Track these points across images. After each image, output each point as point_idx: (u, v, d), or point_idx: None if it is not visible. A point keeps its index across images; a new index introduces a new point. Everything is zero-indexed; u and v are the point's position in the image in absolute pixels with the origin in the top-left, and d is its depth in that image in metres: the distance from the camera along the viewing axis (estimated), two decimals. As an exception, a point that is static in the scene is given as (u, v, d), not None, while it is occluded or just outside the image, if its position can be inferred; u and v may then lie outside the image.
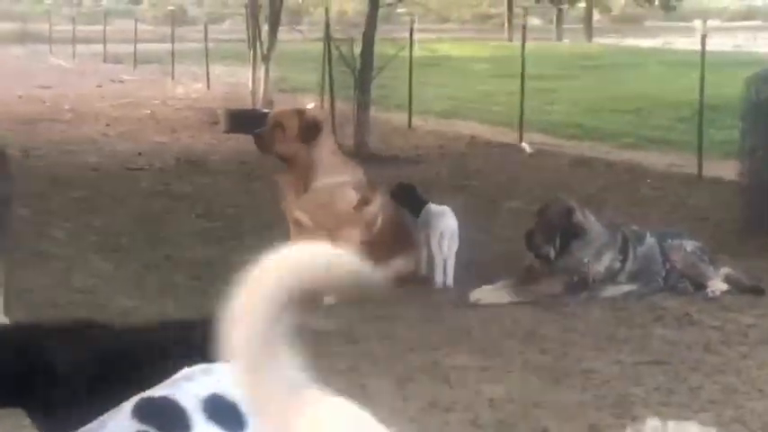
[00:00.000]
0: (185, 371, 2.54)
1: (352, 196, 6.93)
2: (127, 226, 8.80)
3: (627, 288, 6.88)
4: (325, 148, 6.99)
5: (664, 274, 6.96)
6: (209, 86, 21.99)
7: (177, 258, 7.71)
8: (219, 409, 2.37)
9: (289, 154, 6.94)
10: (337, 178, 6.91)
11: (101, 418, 2.34)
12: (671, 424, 2.18)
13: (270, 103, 17.35)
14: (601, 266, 6.84)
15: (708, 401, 5.06)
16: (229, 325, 1.87)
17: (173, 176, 11.46)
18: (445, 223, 7.05)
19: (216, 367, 2.52)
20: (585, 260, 6.82)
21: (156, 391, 2.42)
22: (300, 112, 7.09)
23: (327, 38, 14.93)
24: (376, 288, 2.04)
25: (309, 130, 6.94)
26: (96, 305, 6.48)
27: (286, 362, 1.85)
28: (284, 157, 7.01)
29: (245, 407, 2.41)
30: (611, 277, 6.86)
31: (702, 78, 11.67)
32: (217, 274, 7.29)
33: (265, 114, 15.95)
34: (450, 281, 6.98)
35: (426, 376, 5.31)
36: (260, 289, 1.88)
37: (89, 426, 2.31)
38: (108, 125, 15.96)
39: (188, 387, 2.40)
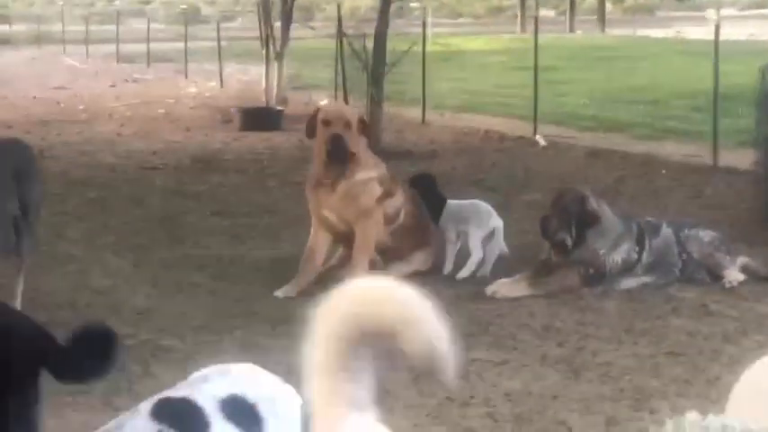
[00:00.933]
0: (201, 372, 2.55)
1: (377, 190, 6.97)
2: (143, 225, 8.83)
3: (643, 279, 6.87)
4: (362, 145, 7.03)
5: (680, 265, 6.95)
6: (222, 85, 22.03)
7: (194, 257, 7.74)
8: (238, 409, 2.38)
9: (353, 150, 6.89)
10: (370, 173, 6.96)
11: (117, 418, 2.34)
12: (710, 416, 2.17)
13: (283, 101, 17.38)
14: (617, 258, 6.83)
15: (726, 392, 5.03)
16: (309, 348, 1.97)
17: (188, 175, 11.50)
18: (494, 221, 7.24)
19: (232, 368, 2.53)
20: (602, 252, 6.81)
21: (175, 392, 2.43)
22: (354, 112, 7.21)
23: (340, 34, 14.93)
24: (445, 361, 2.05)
25: (365, 128, 7.09)
26: (114, 306, 6.52)
27: (357, 387, 1.92)
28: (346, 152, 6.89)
29: (262, 408, 2.42)
30: (627, 269, 6.85)
31: (716, 68, 11.63)
32: (236, 272, 7.33)
33: (279, 112, 16.04)
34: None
35: (444, 371, 5.32)
36: (335, 319, 1.96)
37: (105, 427, 2.32)
38: (122, 125, 16.01)
39: (206, 388, 2.41)
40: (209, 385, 2.43)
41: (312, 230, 7.04)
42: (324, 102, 18.25)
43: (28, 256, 6.22)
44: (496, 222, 7.25)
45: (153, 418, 2.31)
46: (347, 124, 6.85)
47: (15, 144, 6.49)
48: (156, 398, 2.39)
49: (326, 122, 6.88)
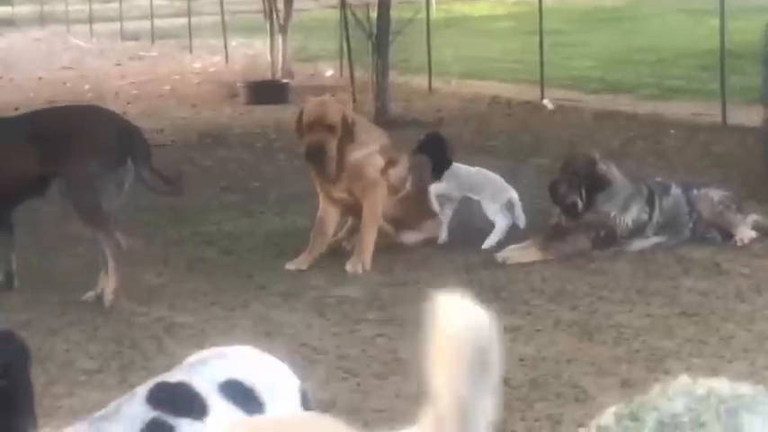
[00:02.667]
0: (198, 355, 2.53)
1: (379, 161, 6.94)
2: (152, 202, 8.83)
3: (654, 240, 6.86)
4: (358, 126, 6.94)
5: (691, 225, 6.93)
6: (227, 59, 21.96)
7: (205, 233, 7.75)
8: (237, 393, 2.37)
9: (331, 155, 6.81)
10: (369, 148, 6.91)
11: (113, 402, 2.33)
12: (701, 380, 2.16)
13: (289, 74, 17.33)
14: (628, 220, 6.81)
15: (740, 350, 5.05)
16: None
17: (195, 151, 11.49)
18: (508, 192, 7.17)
19: (229, 350, 2.52)
20: (612, 214, 6.79)
21: (172, 376, 2.41)
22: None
23: (343, 4, 14.85)
24: None
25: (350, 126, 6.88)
26: (125, 284, 6.52)
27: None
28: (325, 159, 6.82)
29: (260, 391, 2.41)
30: (638, 230, 6.83)
31: (722, 25, 11.55)
32: (246, 247, 7.34)
33: (285, 85, 16.00)
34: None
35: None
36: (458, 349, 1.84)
37: (102, 412, 2.31)
38: (129, 103, 15.99)
39: (204, 372, 2.40)
40: (207, 369, 2.41)
41: (321, 203, 7.02)
42: (329, 72, 18.20)
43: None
44: (512, 193, 7.19)
45: (149, 403, 2.29)
46: (330, 128, 6.74)
47: None
48: (152, 382, 2.37)
49: (309, 126, 6.79)
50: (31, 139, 6.11)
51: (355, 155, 6.82)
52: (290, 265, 6.71)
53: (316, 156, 6.76)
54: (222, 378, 2.38)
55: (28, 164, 6.10)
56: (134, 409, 2.26)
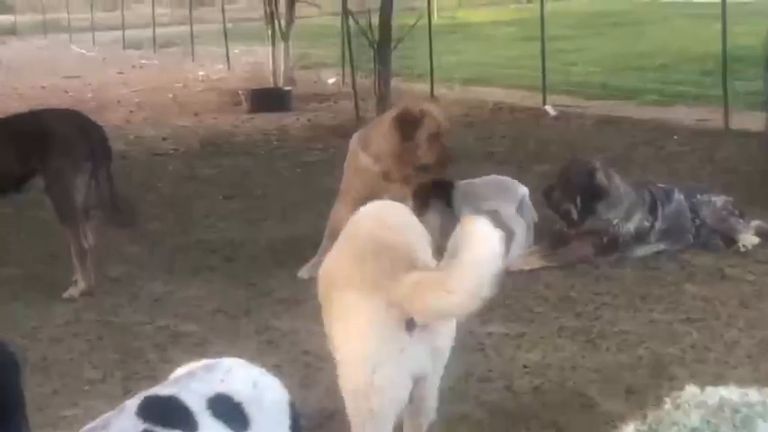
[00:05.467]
0: (187, 368, 2.53)
1: None
2: (156, 211, 8.85)
3: (657, 246, 6.85)
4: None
5: (694, 231, 6.92)
6: (229, 67, 21.99)
7: (208, 241, 7.75)
8: (225, 409, 2.36)
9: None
10: None
11: (103, 416, 2.32)
12: (709, 389, 2.18)
13: (291, 81, 17.34)
14: (630, 226, 6.81)
15: (745, 357, 5.04)
16: None
17: (198, 159, 11.50)
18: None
19: (219, 364, 2.51)
20: (615, 221, 6.79)
21: (161, 390, 2.40)
22: None
23: (345, 12, 14.87)
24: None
25: None
26: (130, 293, 6.54)
27: None
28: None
29: (248, 406, 2.41)
30: (641, 237, 6.83)
31: (724, 29, 11.55)
32: (249, 254, 7.34)
33: (287, 93, 16.01)
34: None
35: (460, 345, 5.31)
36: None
37: (91, 425, 2.30)
38: (131, 111, 16.02)
39: (193, 386, 2.39)
40: (196, 383, 2.40)
41: (338, 207, 6.57)
42: (331, 80, 18.20)
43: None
44: (523, 189, 7.08)
45: (139, 417, 2.28)
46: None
47: None
48: (142, 395, 2.36)
49: (430, 139, 6.38)
50: (11, 139, 6.40)
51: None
52: (302, 273, 6.64)
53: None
54: (211, 392, 2.37)
55: (9, 162, 6.38)
56: (123, 422, 2.25)
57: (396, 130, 6.35)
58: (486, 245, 3.17)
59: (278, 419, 2.48)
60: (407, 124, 6.35)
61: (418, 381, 3.46)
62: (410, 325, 3.32)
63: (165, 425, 2.25)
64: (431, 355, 3.46)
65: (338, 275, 3.53)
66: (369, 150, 6.46)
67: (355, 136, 6.76)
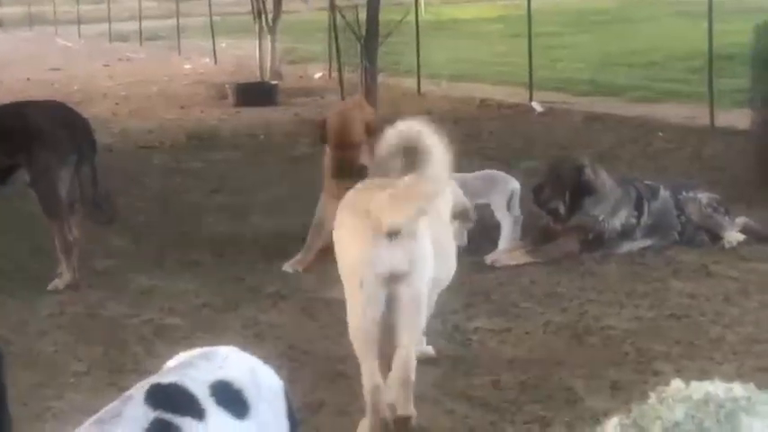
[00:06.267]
0: (183, 356, 2.53)
1: None
2: (142, 205, 8.83)
3: (643, 243, 6.88)
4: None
5: (679, 228, 6.95)
6: (216, 61, 21.95)
7: (195, 235, 7.74)
8: (226, 395, 2.38)
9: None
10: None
11: (110, 406, 2.32)
12: (694, 384, 2.19)
13: (278, 75, 17.33)
14: (616, 223, 6.83)
15: (730, 353, 5.06)
16: None
17: (184, 153, 11.48)
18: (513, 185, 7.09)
19: (216, 352, 2.52)
20: (600, 217, 6.81)
21: (163, 378, 2.41)
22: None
23: (332, 7, 14.86)
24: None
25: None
26: (116, 286, 6.53)
27: None
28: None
29: (247, 391, 2.42)
30: (626, 233, 6.85)
31: (710, 28, 11.58)
32: (236, 249, 7.33)
33: (274, 87, 16.00)
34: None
35: (446, 340, 5.33)
36: None
37: (100, 414, 2.29)
38: (117, 104, 15.98)
39: (194, 374, 2.40)
40: (196, 371, 2.41)
41: (322, 203, 6.84)
42: (318, 74, 18.19)
43: None
44: (514, 183, 7.09)
45: (149, 405, 2.28)
46: (357, 144, 6.60)
47: None
48: (146, 384, 2.37)
49: (336, 143, 6.65)
50: None
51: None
52: (287, 267, 6.68)
53: (346, 172, 6.52)
54: (212, 378, 2.39)
55: None
56: (135, 410, 2.26)
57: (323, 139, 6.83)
58: (438, 161, 4.16)
59: (275, 405, 2.51)
60: (320, 128, 6.82)
61: (396, 280, 4.12)
62: (391, 233, 4.07)
63: (174, 412, 2.26)
64: (408, 259, 4.12)
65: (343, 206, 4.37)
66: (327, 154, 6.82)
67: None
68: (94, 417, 2.28)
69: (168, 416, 2.26)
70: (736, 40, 12.07)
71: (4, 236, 7.84)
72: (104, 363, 5.24)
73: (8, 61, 24.52)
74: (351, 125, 6.65)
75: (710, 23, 11.57)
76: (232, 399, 2.37)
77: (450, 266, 4.63)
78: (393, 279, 4.11)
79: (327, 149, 6.86)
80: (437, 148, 4.16)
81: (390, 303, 4.13)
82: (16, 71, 21.68)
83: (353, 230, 4.19)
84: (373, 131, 6.58)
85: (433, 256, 4.23)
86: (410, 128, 4.21)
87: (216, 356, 2.50)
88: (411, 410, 4.17)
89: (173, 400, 2.30)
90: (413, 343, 4.23)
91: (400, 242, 4.08)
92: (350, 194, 4.40)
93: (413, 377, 4.17)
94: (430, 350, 5.02)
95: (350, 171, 6.50)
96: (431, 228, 4.25)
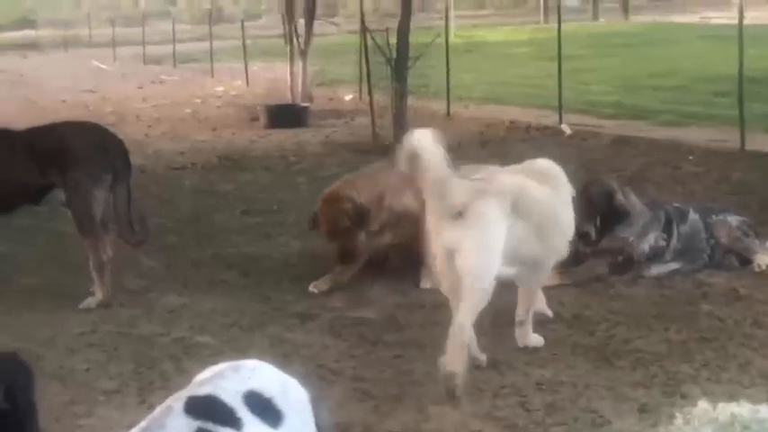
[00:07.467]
0: (213, 369, 2.56)
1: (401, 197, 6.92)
2: (173, 226, 8.90)
3: (672, 266, 6.86)
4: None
5: (709, 251, 6.93)
6: (248, 83, 22.11)
7: (224, 256, 7.80)
8: (258, 404, 2.40)
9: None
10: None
11: (150, 417, 2.35)
12: (720, 405, 2.20)
13: (309, 97, 17.42)
14: (645, 245, 6.82)
15: (758, 376, 5.04)
16: None
17: (216, 174, 11.57)
18: None
19: (243, 364, 2.55)
20: (630, 240, 6.80)
21: (197, 391, 2.43)
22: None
23: (363, 29, 14.95)
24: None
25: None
26: (146, 305, 6.59)
27: None
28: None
29: (278, 401, 2.45)
30: (656, 256, 6.83)
31: (741, 51, 11.56)
32: (265, 269, 7.38)
33: (305, 109, 16.09)
34: None
35: (473, 361, 5.33)
36: None
37: (143, 425, 2.32)
38: (150, 126, 16.12)
39: (225, 385, 2.43)
40: (227, 382, 2.45)
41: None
42: (348, 97, 18.28)
43: None
44: None
45: (189, 415, 2.31)
46: (348, 230, 6.76)
47: None
48: (183, 396, 2.40)
49: (328, 232, 6.86)
50: (30, 151, 6.47)
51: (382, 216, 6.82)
52: (312, 288, 6.73)
53: (347, 258, 6.80)
54: (243, 389, 2.42)
55: (28, 174, 6.45)
56: (177, 422, 2.28)
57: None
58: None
59: (304, 415, 2.54)
60: (312, 220, 6.98)
61: (454, 253, 5.00)
62: (458, 215, 4.98)
63: (215, 421, 2.29)
64: (462, 235, 4.98)
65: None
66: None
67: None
68: (138, 427, 2.31)
69: (210, 426, 2.28)
70: (764, 64, 12.04)
71: (37, 254, 7.94)
72: (135, 380, 5.29)
73: (43, 82, 24.80)
74: (337, 215, 6.77)
75: (741, 45, 11.55)
76: (265, 408, 2.41)
77: (557, 245, 5.45)
78: (450, 252, 5.00)
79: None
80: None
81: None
82: (52, 93, 21.93)
83: (429, 209, 5.11)
84: (365, 216, 6.73)
85: (543, 236, 5.24)
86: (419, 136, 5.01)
87: (244, 368, 2.53)
88: (457, 367, 4.81)
89: (211, 410, 2.33)
90: (467, 309, 4.97)
91: (460, 223, 4.96)
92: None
93: (463, 339, 4.90)
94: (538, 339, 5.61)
95: (351, 257, 6.73)
96: (551, 207, 5.29)
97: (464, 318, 4.95)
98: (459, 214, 4.97)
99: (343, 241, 6.78)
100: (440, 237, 5.04)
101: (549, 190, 5.48)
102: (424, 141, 4.93)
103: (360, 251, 6.79)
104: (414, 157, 4.90)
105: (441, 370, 4.85)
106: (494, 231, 5.05)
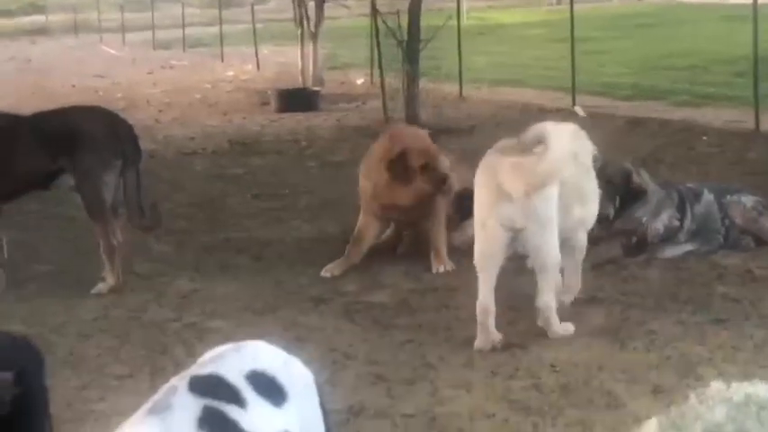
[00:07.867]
0: (214, 351, 2.55)
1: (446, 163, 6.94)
2: (184, 210, 8.89)
3: (687, 247, 6.80)
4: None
5: (723, 231, 6.86)
6: (258, 67, 22.07)
7: (236, 240, 7.78)
8: (262, 383, 2.40)
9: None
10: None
11: (155, 397, 2.33)
12: (734, 385, 2.16)
13: (320, 81, 17.38)
14: (659, 226, 6.76)
15: (774, 357, 4.99)
16: None
17: (227, 159, 11.55)
18: None
19: (245, 344, 2.54)
20: (644, 220, 6.74)
21: (199, 371, 2.42)
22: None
23: (374, 12, 14.89)
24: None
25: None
26: (158, 290, 6.57)
27: None
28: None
29: (282, 380, 2.44)
30: (669, 237, 6.78)
31: (755, 31, 11.46)
32: (277, 253, 7.36)
33: (315, 93, 16.05)
34: None
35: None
36: None
37: (148, 406, 2.31)
38: (160, 111, 16.11)
39: (229, 365, 2.42)
40: (229, 362, 2.44)
41: (362, 215, 6.95)
42: (360, 80, 18.23)
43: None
44: None
45: (193, 393, 2.31)
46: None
47: None
48: (185, 376, 2.39)
49: (421, 169, 6.74)
50: (39, 136, 6.44)
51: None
52: (324, 272, 6.71)
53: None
54: (246, 369, 2.41)
55: (37, 159, 6.42)
56: (183, 400, 2.28)
57: (388, 173, 6.71)
58: (559, 143, 5.24)
59: (308, 394, 2.53)
60: (397, 168, 6.69)
61: (517, 234, 5.23)
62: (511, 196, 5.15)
63: (220, 400, 2.29)
64: (526, 216, 5.17)
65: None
66: (367, 179, 6.88)
67: (364, 159, 7.07)
68: (143, 408, 2.30)
69: (215, 403, 2.28)
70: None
71: (48, 239, 7.93)
72: (146, 365, 5.28)
73: (54, 68, 24.81)
74: (433, 154, 6.80)
75: (756, 26, 11.45)
76: (268, 387, 2.40)
77: (592, 208, 5.69)
78: (513, 231, 5.22)
79: (364, 170, 6.93)
80: (559, 143, 5.21)
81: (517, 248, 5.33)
82: (61, 78, 21.95)
83: (481, 185, 5.31)
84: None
85: (568, 207, 5.38)
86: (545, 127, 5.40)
87: (247, 348, 2.52)
88: (555, 331, 5.33)
89: (215, 389, 2.33)
90: (546, 281, 5.32)
91: (517, 202, 5.14)
92: (488, 154, 5.45)
93: (547, 304, 5.33)
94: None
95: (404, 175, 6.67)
96: (574, 177, 5.35)
97: (548, 295, 5.33)
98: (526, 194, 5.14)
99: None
100: (500, 214, 5.17)
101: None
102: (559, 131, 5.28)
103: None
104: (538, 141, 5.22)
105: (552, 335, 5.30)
106: (554, 208, 5.28)
